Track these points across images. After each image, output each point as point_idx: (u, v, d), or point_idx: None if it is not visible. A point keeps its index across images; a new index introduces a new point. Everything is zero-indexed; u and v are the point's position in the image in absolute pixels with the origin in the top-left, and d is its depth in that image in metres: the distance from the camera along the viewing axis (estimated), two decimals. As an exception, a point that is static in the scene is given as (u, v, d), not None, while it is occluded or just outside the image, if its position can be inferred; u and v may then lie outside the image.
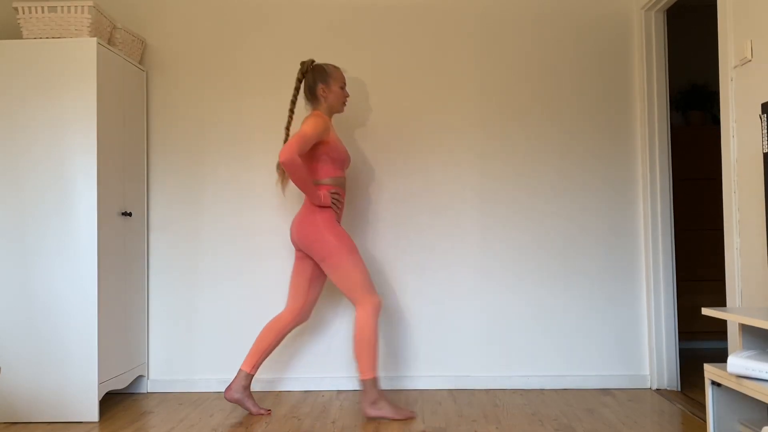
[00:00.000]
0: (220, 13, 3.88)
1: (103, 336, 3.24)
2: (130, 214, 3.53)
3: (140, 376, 3.75)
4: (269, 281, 3.80)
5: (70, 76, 3.21)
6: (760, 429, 2.25)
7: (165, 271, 3.81)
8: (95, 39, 3.22)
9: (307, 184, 3.08)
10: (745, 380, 2.13)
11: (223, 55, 3.87)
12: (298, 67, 3.80)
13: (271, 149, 3.82)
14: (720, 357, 4.40)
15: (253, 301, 3.80)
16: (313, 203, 3.14)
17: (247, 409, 3.26)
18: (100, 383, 3.19)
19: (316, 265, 3.29)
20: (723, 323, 4.66)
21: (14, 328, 3.18)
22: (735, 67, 2.79)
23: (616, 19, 3.82)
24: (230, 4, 3.88)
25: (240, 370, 3.26)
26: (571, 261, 3.77)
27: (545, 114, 3.81)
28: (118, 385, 3.41)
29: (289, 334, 3.79)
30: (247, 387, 3.26)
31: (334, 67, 3.32)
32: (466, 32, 3.84)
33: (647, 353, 3.73)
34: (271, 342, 3.27)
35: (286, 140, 3.28)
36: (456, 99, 3.82)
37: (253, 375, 3.27)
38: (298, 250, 3.28)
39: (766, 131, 2.26)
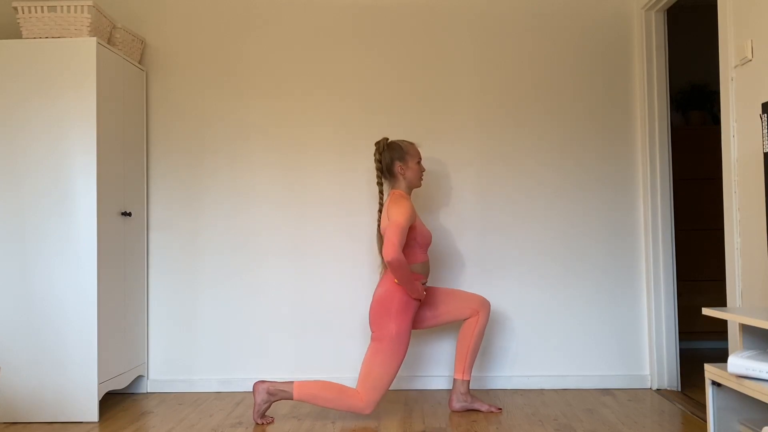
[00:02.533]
0: (220, 13, 3.88)
1: (103, 336, 3.24)
2: (130, 214, 3.53)
3: (140, 376, 3.75)
4: (269, 281, 3.80)
5: (70, 76, 3.21)
6: (761, 429, 2.25)
7: (165, 271, 3.81)
8: (95, 39, 3.22)
9: (410, 278, 3.04)
10: (745, 380, 2.12)
11: (223, 55, 3.86)
12: (302, 67, 3.81)
13: (271, 149, 3.82)
14: (720, 357, 4.40)
15: (253, 301, 3.79)
16: (410, 295, 3.08)
17: (476, 410, 3.26)
18: (99, 383, 3.19)
19: (431, 302, 3.27)
20: (723, 323, 4.65)
21: (14, 328, 3.18)
22: (735, 66, 2.79)
23: (616, 19, 3.81)
24: (230, 4, 3.88)
25: (454, 380, 3.28)
26: (570, 261, 3.77)
27: (545, 114, 3.80)
28: (118, 385, 3.41)
29: (290, 335, 3.78)
30: (467, 392, 3.26)
31: (409, 143, 3.27)
32: (466, 32, 3.83)
33: (647, 353, 3.73)
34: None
35: (379, 219, 3.21)
36: (456, 99, 3.82)
37: (468, 380, 3.27)
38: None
39: (766, 131, 2.26)
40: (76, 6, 3.25)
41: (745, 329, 2.33)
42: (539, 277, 3.77)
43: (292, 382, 3.10)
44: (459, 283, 3.77)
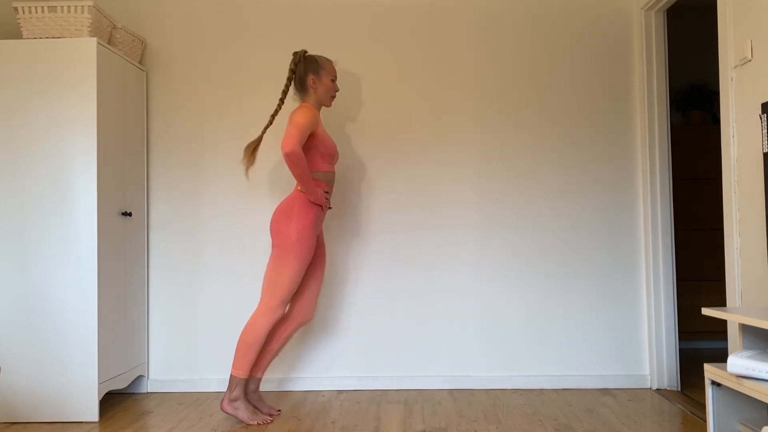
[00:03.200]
0: (220, 12, 3.88)
1: (103, 336, 3.24)
2: (130, 214, 3.53)
3: (140, 376, 3.75)
4: (269, 281, 3.79)
5: (70, 76, 3.21)
6: (760, 429, 2.25)
7: (165, 271, 3.81)
8: (95, 39, 3.22)
9: (308, 177, 3.04)
10: (745, 380, 2.13)
11: (223, 55, 3.87)
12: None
13: (271, 149, 3.82)
14: (720, 357, 4.40)
15: (253, 301, 3.79)
16: (309, 198, 3.10)
17: (259, 410, 3.23)
18: (100, 383, 3.19)
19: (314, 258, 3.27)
20: (723, 323, 4.66)
21: (14, 328, 3.18)
22: (735, 67, 2.79)
23: (616, 19, 3.82)
24: (230, 4, 3.88)
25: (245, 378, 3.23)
26: (570, 261, 3.77)
27: (545, 114, 3.81)
28: (118, 385, 3.41)
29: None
30: (256, 390, 3.25)
31: (327, 59, 3.29)
32: (465, 32, 3.84)
33: (647, 353, 3.73)
34: (274, 348, 3.24)
35: (266, 126, 3.26)
36: (456, 99, 3.82)
37: (260, 378, 3.25)
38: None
39: (766, 131, 2.26)
40: (76, 6, 3.25)
41: (745, 329, 2.34)
42: (539, 277, 3.77)
43: (230, 375, 3.14)
44: (459, 282, 3.77)
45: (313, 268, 3.31)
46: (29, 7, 3.26)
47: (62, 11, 3.25)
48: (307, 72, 3.24)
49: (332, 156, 3.24)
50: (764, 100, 2.56)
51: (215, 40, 3.87)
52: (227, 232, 3.81)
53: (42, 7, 3.25)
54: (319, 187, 3.14)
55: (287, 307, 3.20)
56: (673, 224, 3.72)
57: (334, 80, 3.28)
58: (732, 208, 2.80)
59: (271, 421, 3.13)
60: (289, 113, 3.63)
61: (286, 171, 3.82)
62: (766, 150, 2.27)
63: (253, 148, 3.27)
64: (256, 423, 3.09)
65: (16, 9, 3.29)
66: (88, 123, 3.20)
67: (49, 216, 3.19)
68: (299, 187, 3.12)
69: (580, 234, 3.77)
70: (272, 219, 3.16)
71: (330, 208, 3.28)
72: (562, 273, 3.77)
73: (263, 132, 3.29)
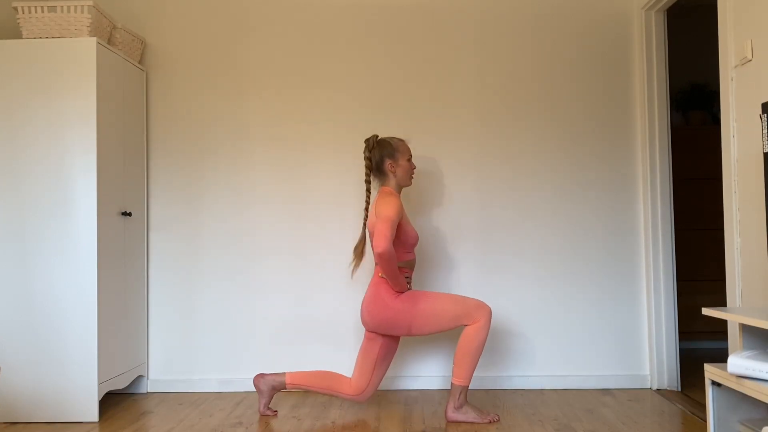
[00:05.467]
0: (220, 12, 3.88)
1: (103, 336, 3.24)
2: (130, 214, 3.53)
3: (140, 376, 3.75)
4: (269, 281, 3.80)
5: (70, 76, 3.21)
6: (760, 429, 2.25)
7: (165, 271, 3.81)
8: (95, 39, 3.22)
9: (397, 273, 3.03)
10: (745, 380, 2.12)
11: (223, 55, 3.87)
12: (302, 67, 3.82)
13: (271, 149, 3.82)
14: (720, 357, 4.40)
15: (252, 301, 3.79)
16: (395, 289, 3.08)
17: (260, 403, 3.25)
18: (100, 383, 3.19)
19: (385, 347, 3.19)
20: (723, 323, 4.65)
21: (14, 328, 3.18)
22: (735, 66, 2.79)
23: (616, 19, 3.82)
24: (230, 4, 3.88)
25: (284, 373, 3.23)
26: (570, 261, 3.77)
27: (545, 114, 3.81)
28: (118, 385, 3.41)
29: (290, 335, 3.78)
30: (277, 389, 3.24)
31: (399, 140, 3.24)
32: (466, 32, 3.83)
33: (647, 353, 3.73)
34: (321, 388, 3.18)
35: (365, 219, 3.22)
36: (456, 99, 3.82)
37: (286, 387, 3.23)
38: (369, 331, 3.17)
39: (766, 131, 2.26)
40: (76, 6, 3.25)
41: (745, 329, 2.34)
42: (539, 276, 3.77)
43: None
44: (459, 282, 3.77)
45: (386, 357, 3.21)
46: (29, 7, 3.26)
47: (62, 11, 3.25)
48: (383, 157, 3.20)
49: (414, 246, 3.22)
50: (764, 100, 2.56)
51: (215, 40, 3.87)
52: (227, 232, 3.81)
53: (42, 7, 3.25)
54: (402, 275, 3.11)
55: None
56: (674, 224, 3.72)
57: (410, 159, 3.24)
58: (732, 208, 2.79)
59: (498, 419, 3.09)
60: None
61: (284, 171, 3.82)
62: (766, 150, 2.27)
63: (361, 248, 3.25)
64: (488, 421, 3.06)
65: (16, 9, 3.29)
66: (88, 123, 3.20)
67: (49, 216, 3.19)
68: (380, 274, 3.10)
69: (580, 234, 3.77)
70: (368, 314, 3.10)
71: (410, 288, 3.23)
72: (562, 273, 3.77)
73: (363, 228, 3.26)
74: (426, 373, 3.76)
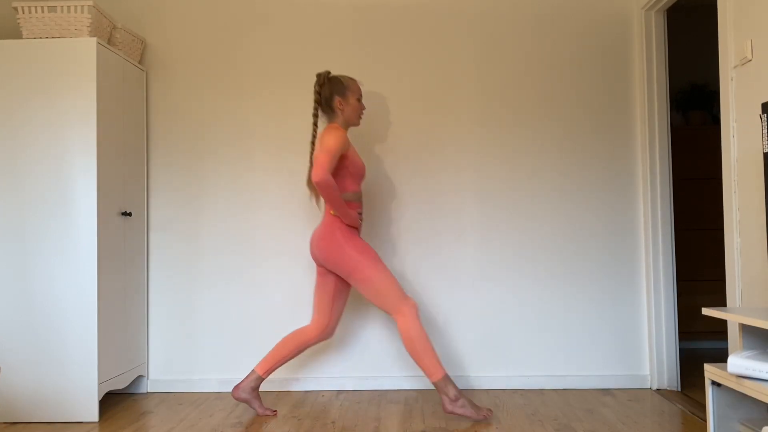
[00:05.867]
0: (220, 12, 3.88)
1: (103, 336, 3.24)
2: (130, 214, 3.53)
3: (140, 376, 3.75)
4: (269, 281, 3.80)
5: (70, 76, 3.21)
6: (760, 429, 2.25)
7: (165, 271, 3.81)
8: (95, 39, 3.22)
9: (341, 202, 3.04)
10: (745, 380, 2.13)
11: (224, 55, 3.87)
12: (302, 67, 3.83)
13: (271, 149, 3.82)
14: (720, 357, 4.40)
15: (253, 301, 3.80)
16: (345, 222, 3.11)
17: (253, 408, 3.25)
18: (100, 383, 3.19)
19: (339, 280, 3.25)
20: (723, 323, 4.66)
21: (14, 328, 3.18)
22: (735, 66, 2.79)
23: (616, 19, 3.82)
24: (230, 4, 3.88)
25: (253, 370, 3.25)
26: (571, 261, 3.77)
27: (545, 114, 3.81)
28: (118, 385, 3.41)
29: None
30: (256, 388, 3.25)
31: (351, 79, 3.26)
32: (466, 32, 3.84)
33: (647, 353, 3.73)
34: (291, 352, 3.25)
35: (311, 155, 3.24)
36: (456, 99, 3.82)
37: (263, 379, 3.26)
38: (320, 265, 3.23)
39: (766, 131, 2.26)
40: (76, 6, 3.25)
41: (745, 329, 2.34)
42: (539, 276, 3.77)
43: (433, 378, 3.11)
44: (459, 282, 3.77)
45: (342, 289, 3.28)
46: (29, 7, 3.26)
47: (62, 11, 3.25)
48: (332, 94, 3.22)
49: (361, 176, 3.24)
50: (764, 100, 2.56)
51: (215, 39, 3.87)
52: (227, 232, 3.81)
53: (42, 7, 3.25)
54: (352, 209, 3.15)
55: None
56: (673, 224, 3.72)
57: (359, 99, 3.26)
58: (732, 208, 2.80)
59: (491, 413, 3.08)
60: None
61: (284, 170, 3.82)
62: (766, 150, 2.27)
63: (311, 180, 3.26)
64: (483, 417, 3.05)
65: (16, 9, 3.29)
66: (88, 123, 3.20)
67: (49, 216, 3.19)
68: (332, 211, 3.12)
69: (580, 234, 3.77)
70: (321, 253, 3.14)
71: (361, 224, 3.26)
72: (562, 273, 3.77)
73: (310, 160, 3.25)
74: (426, 373, 3.76)
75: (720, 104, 2.93)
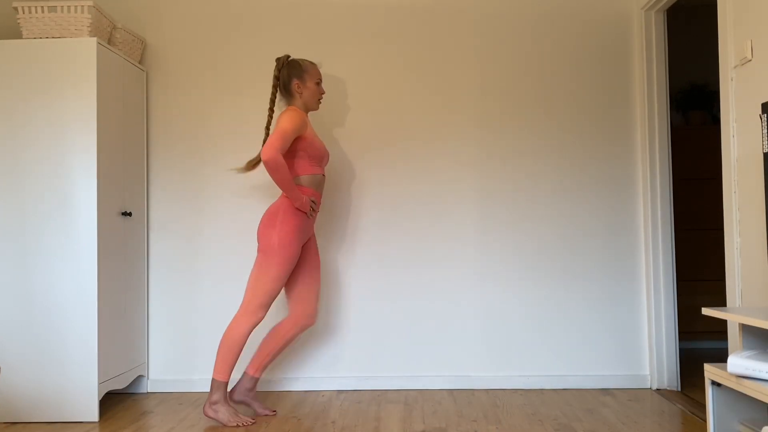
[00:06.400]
0: (220, 13, 3.88)
1: (103, 336, 3.24)
2: (130, 214, 3.53)
3: (140, 376, 3.75)
4: (269, 281, 3.79)
5: (70, 76, 3.21)
6: (760, 429, 2.25)
7: (165, 271, 3.81)
8: (95, 39, 3.22)
9: (290, 184, 3.01)
10: (745, 380, 2.13)
11: (224, 55, 3.87)
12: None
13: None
14: (720, 357, 4.40)
15: (253, 301, 3.79)
16: (293, 204, 3.08)
17: (253, 409, 3.25)
18: (100, 383, 3.19)
19: (300, 265, 3.25)
20: (723, 323, 4.66)
21: (14, 328, 3.18)
22: (735, 67, 2.79)
23: (616, 19, 3.82)
24: (230, 4, 3.88)
25: (244, 372, 3.26)
26: (570, 261, 3.77)
27: (545, 114, 3.81)
28: (118, 385, 3.41)
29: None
30: (252, 389, 3.25)
31: (310, 62, 3.26)
32: (465, 32, 3.84)
33: (647, 353, 3.73)
34: (278, 344, 3.23)
35: (265, 140, 3.23)
36: (455, 99, 3.82)
37: (257, 378, 3.26)
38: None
39: (766, 131, 2.26)
40: (76, 6, 3.25)
41: (745, 329, 2.34)
42: (539, 276, 3.77)
43: (212, 379, 3.11)
44: (459, 282, 3.77)
45: (307, 273, 3.28)
46: (29, 7, 3.26)
47: (62, 11, 3.25)
48: (291, 77, 3.21)
49: (321, 158, 3.21)
50: (764, 100, 2.56)
51: (215, 39, 3.87)
52: (227, 232, 3.81)
53: (42, 7, 3.25)
54: (303, 194, 3.12)
55: (266, 312, 3.14)
56: (673, 224, 3.72)
57: (319, 83, 3.25)
58: (732, 208, 2.80)
59: (253, 422, 3.10)
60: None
61: (286, 171, 3.82)
62: (766, 150, 2.27)
63: (254, 164, 3.27)
64: (235, 425, 3.06)
65: (16, 9, 3.29)
66: (88, 123, 3.20)
67: (49, 216, 3.19)
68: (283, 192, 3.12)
69: (580, 234, 3.77)
70: (260, 223, 3.16)
71: (316, 212, 3.22)
72: (562, 273, 3.77)
73: (263, 145, 3.24)
74: (426, 373, 3.76)
75: (720, 104, 2.93)
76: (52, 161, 3.20)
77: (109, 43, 3.50)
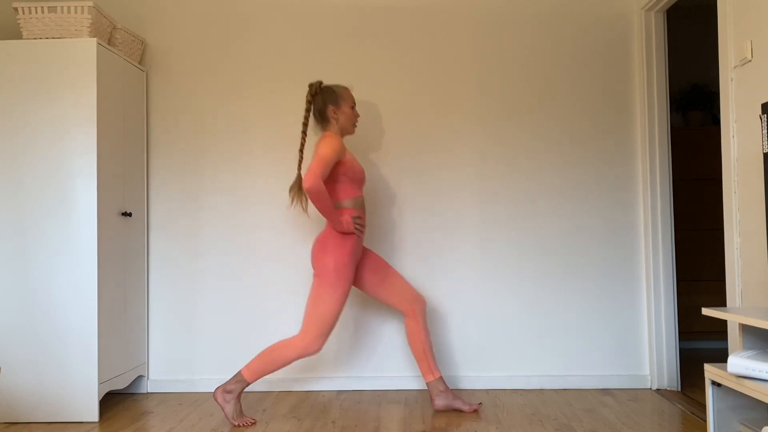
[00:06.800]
0: (220, 13, 3.88)
1: (103, 336, 3.24)
2: (130, 214, 3.54)
3: (140, 376, 3.75)
4: (269, 281, 3.80)
5: (70, 76, 3.21)
6: (760, 429, 2.25)
7: (165, 271, 3.81)
8: (95, 39, 3.22)
9: (331, 210, 3.02)
10: (745, 380, 2.13)
11: (223, 55, 3.87)
12: (302, 68, 3.83)
13: (271, 149, 3.82)
14: (720, 357, 4.40)
15: (253, 301, 3.80)
16: (336, 230, 3.10)
17: (460, 409, 3.25)
18: (100, 383, 3.19)
19: (366, 269, 3.28)
20: (723, 323, 4.66)
21: (14, 328, 3.18)
22: (735, 67, 2.79)
23: (616, 19, 3.82)
24: (230, 4, 3.88)
25: (427, 383, 3.28)
26: (571, 261, 3.77)
27: (545, 114, 3.81)
28: (118, 385, 3.41)
29: (291, 334, 3.78)
30: (445, 389, 3.27)
31: (343, 87, 3.27)
32: (465, 32, 3.84)
33: (647, 353, 3.73)
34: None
35: (300, 162, 3.24)
36: (455, 99, 3.82)
37: (440, 376, 3.28)
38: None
39: (766, 131, 2.26)
40: (76, 6, 3.25)
41: (745, 329, 2.34)
42: (539, 277, 3.77)
43: (239, 371, 3.11)
44: (459, 282, 3.77)
45: (382, 273, 3.29)
46: (29, 8, 3.26)
47: (62, 11, 3.25)
48: (326, 103, 3.22)
49: (361, 181, 3.23)
50: (764, 100, 2.56)
51: (215, 39, 3.87)
52: (227, 232, 3.81)
53: (42, 7, 3.25)
54: (346, 214, 3.12)
55: (322, 345, 3.09)
56: (673, 224, 3.72)
57: (353, 107, 3.27)
58: (732, 208, 2.80)
59: (253, 422, 3.10)
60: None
61: (284, 171, 3.82)
62: (766, 150, 2.27)
63: (297, 188, 3.25)
64: (237, 424, 3.07)
65: (16, 9, 3.29)
66: (88, 123, 3.20)
67: (49, 216, 3.19)
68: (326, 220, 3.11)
69: (580, 234, 3.77)
70: (312, 251, 3.16)
71: (364, 227, 3.22)
72: (562, 273, 3.77)
73: (299, 168, 3.25)
74: (426, 373, 3.76)
75: (720, 104, 2.93)
76: (52, 161, 3.20)
77: (109, 44, 3.51)
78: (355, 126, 3.31)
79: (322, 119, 3.25)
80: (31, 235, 3.19)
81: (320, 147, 3.06)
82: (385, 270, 3.31)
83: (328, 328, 3.07)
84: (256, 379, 3.11)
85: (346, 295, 3.11)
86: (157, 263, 3.82)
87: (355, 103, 3.28)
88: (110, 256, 3.35)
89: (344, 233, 3.11)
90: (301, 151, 3.24)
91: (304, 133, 3.26)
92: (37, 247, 3.19)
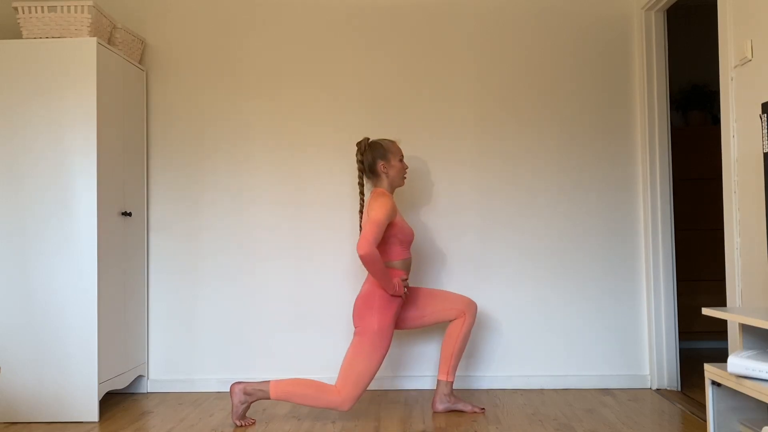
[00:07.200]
0: (220, 12, 3.88)
1: (103, 336, 3.24)
2: (130, 214, 3.53)
3: (140, 376, 3.75)
4: (269, 281, 3.80)
5: (70, 76, 3.21)
6: (760, 429, 2.25)
7: (165, 271, 3.81)
8: (95, 39, 3.22)
9: (384, 274, 3.01)
10: (745, 380, 2.13)
11: (224, 55, 3.87)
12: (302, 68, 3.83)
13: (271, 149, 3.82)
14: (720, 357, 4.40)
15: (253, 301, 3.80)
16: (386, 291, 3.07)
17: (462, 411, 3.25)
18: (100, 383, 3.19)
19: (412, 303, 3.27)
20: (723, 323, 4.65)
21: (14, 328, 3.18)
22: (735, 67, 2.79)
23: (616, 19, 3.82)
24: (230, 4, 3.88)
25: (438, 381, 3.28)
26: (570, 261, 3.77)
27: (545, 114, 3.81)
28: (118, 385, 3.41)
29: (291, 334, 3.78)
30: (450, 393, 3.26)
31: (390, 141, 3.26)
32: (466, 32, 3.83)
33: (647, 353, 3.73)
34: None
35: (360, 219, 3.24)
36: (456, 98, 3.82)
37: (451, 381, 3.27)
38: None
39: (766, 131, 2.26)
40: (76, 6, 3.25)
41: (745, 329, 2.34)
42: (539, 276, 3.77)
43: (268, 381, 3.09)
44: (459, 282, 3.76)
45: (421, 302, 3.28)
46: (29, 7, 3.26)
47: (62, 11, 3.25)
48: (375, 159, 3.21)
49: (410, 243, 3.23)
50: (764, 100, 2.56)
51: (215, 39, 3.87)
52: (227, 232, 3.81)
53: (42, 7, 3.25)
54: (397, 277, 3.11)
55: (352, 405, 3.05)
56: (673, 224, 3.72)
57: (401, 159, 3.26)
58: (732, 208, 2.79)
59: (254, 422, 3.10)
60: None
61: (284, 170, 3.82)
62: (766, 150, 2.27)
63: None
64: (239, 425, 3.07)
65: (16, 9, 3.29)
66: (87, 123, 3.20)
67: (49, 216, 3.19)
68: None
69: (580, 234, 3.77)
70: (355, 304, 3.14)
71: (407, 292, 3.20)
72: (562, 273, 3.77)
73: (360, 228, 3.24)
74: (426, 373, 3.76)
75: (720, 104, 2.93)
76: (52, 161, 3.20)
77: (109, 43, 3.50)
78: (405, 178, 3.30)
79: (373, 174, 3.24)
80: (31, 235, 3.19)
81: (372, 210, 3.04)
82: (424, 295, 3.30)
83: (362, 387, 3.04)
84: (278, 400, 3.07)
85: (384, 357, 3.08)
86: (157, 263, 3.82)
87: (403, 156, 3.27)
88: (110, 256, 3.35)
89: (392, 295, 3.10)
90: (360, 212, 3.25)
91: (362, 193, 3.27)
92: (37, 247, 3.19)
